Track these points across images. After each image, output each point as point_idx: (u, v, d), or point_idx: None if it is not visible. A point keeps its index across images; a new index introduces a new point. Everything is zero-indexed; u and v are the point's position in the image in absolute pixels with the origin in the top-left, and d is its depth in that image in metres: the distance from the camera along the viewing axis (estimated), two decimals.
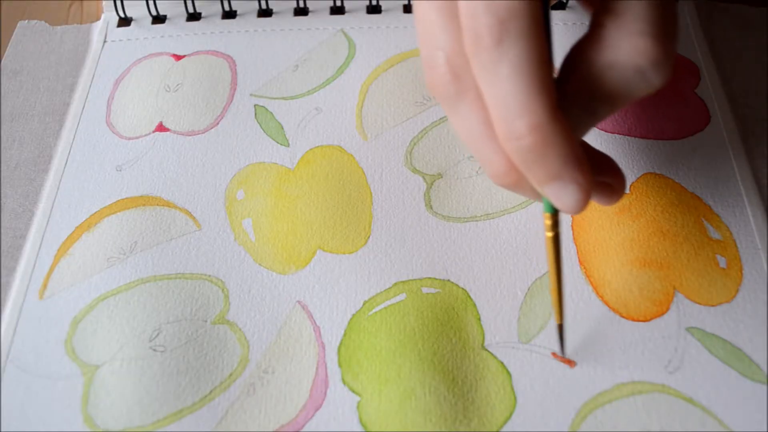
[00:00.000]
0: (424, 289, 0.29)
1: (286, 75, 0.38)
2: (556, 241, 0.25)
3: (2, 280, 0.30)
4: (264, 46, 0.39)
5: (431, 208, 0.32)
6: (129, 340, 0.28)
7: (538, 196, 0.24)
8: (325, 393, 0.27)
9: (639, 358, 0.27)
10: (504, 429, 0.26)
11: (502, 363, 0.27)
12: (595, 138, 0.34)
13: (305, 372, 0.27)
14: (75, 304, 0.29)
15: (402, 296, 0.29)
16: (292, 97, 0.37)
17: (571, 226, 0.31)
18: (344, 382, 0.27)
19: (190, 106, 0.36)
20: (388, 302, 0.29)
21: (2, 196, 0.33)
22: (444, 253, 0.31)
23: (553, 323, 0.28)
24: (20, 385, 0.27)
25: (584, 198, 0.22)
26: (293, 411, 0.26)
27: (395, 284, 0.30)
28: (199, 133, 0.35)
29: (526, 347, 0.28)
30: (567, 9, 0.40)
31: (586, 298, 0.29)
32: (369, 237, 0.31)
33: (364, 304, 0.29)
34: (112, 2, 0.40)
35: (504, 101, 0.20)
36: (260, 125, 0.35)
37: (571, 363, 0.27)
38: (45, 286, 0.30)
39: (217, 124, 0.36)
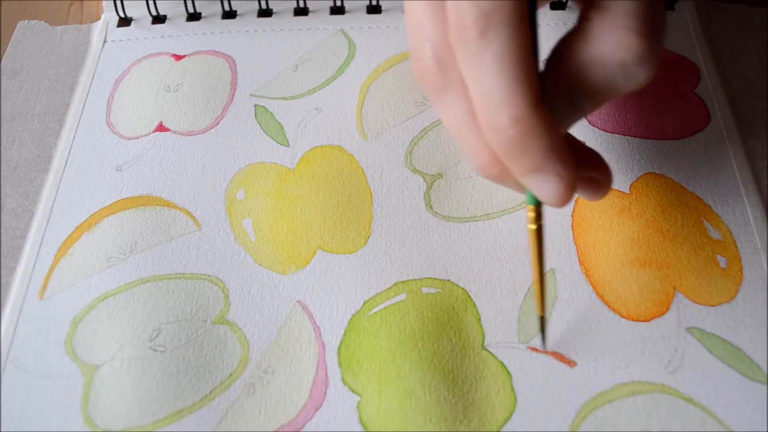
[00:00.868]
0: (424, 289, 0.29)
1: (286, 75, 0.38)
2: (539, 233, 0.25)
3: (2, 280, 0.30)
4: (264, 46, 0.39)
5: (431, 208, 0.32)
6: (129, 340, 0.28)
7: (521, 189, 0.24)
8: (325, 393, 0.27)
9: (639, 358, 0.27)
10: (504, 429, 0.26)
11: (502, 363, 0.27)
12: (595, 138, 0.34)
13: (305, 372, 0.27)
14: (75, 304, 0.29)
15: (402, 296, 0.29)
16: (292, 97, 0.37)
17: (571, 226, 0.31)
18: (344, 382, 0.27)
19: (190, 106, 0.36)
20: (388, 302, 0.29)
21: (2, 196, 0.33)
22: (444, 253, 0.31)
23: (553, 323, 0.28)
24: (20, 385, 0.27)
25: (565, 191, 0.22)
26: (293, 411, 0.26)
27: (395, 284, 0.30)
28: (199, 133, 0.35)
29: (526, 347, 0.28)
30: (566, 9, 0.40)
31: (586, 298, 0.29)
32: (369, 237, 0.31)
33: (364, 304, 0.29)
34: (112, 2, 0.40)
35: (487, 93, 0.21)
36: (260, 125, 0.35)
37: (571, 363, 0.27)
38: (45, 286, 0.30)
39: (217, 124, 0.36)
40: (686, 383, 0.27)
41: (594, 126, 0.34)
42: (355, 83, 0.37)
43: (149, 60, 0.38)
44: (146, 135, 0.35)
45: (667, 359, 0.27)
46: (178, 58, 0.38)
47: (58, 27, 0.40)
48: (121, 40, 0.40)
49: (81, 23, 0.41)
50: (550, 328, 0.28)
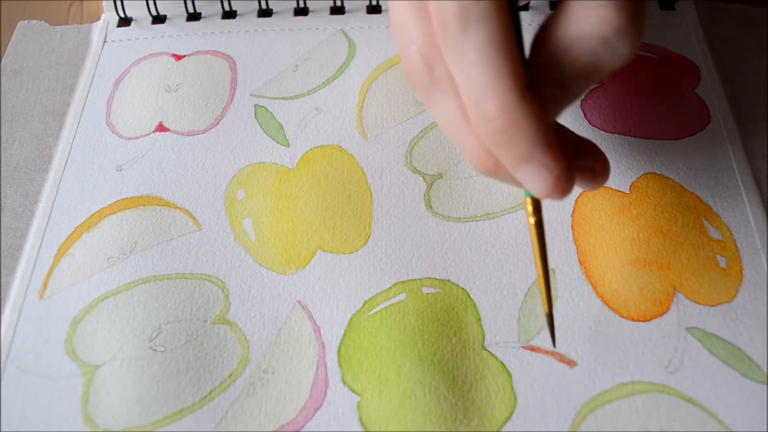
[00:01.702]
0: (424, 289, 0.29)
1: (286, 75, 0.38)
2: (539, 226, 0.25)
3: (2, 280, 0.30)
4: (264, 46, 0.39)
5: (431, 208, 0.32)
6: (129, 340, 0.28)
7: (517, 183, 0.24)
8: (325, 393, 0.27)
9: (639, 358, 0.27)
10: (504, 429, 0.26)
11: (502, 363, 0.27)
12: (596, 138, 0.34)
13: (305, 372, 0.27)
14: (75, 304, 0.29)
15: (402, 296, 0.29)
16: (292, 97, 0.37)
17: (571, 226, 0.31)
18: (344, 382, 0.27)
19: (190, 106, 0.36)
20: (388, 302, 0.29)
21: (2, 196, 0.33)
22: (444, 253, 0.31)
23: (554, 323, 0.28)
24: (20, 385, 0.27)
25: (556, 182, 0.21)
26: (293, 411, 0.26)
27: (395, 284, 0.30)
28: (199, 133, 0.35)
29: (526, 347, 0.28)
30: None
31: (586, 298, 0.29)
32: (369, 237, 0.31)
33: (364, 304, 0.29)
34: (112, 2, 0.40)
35: (472, 85, 0.21)
36: (260, 125, 0.35)
37: (571, 363, 0.27)
38: (45, 286, 0.30)
39: (217, 124, 0.36)
40: (686, 383, 0.27)
41: (594, 126, 0.34)
42: (355, 83, 0.37)
43: (149, 60, 0.38)
44: (146, 135, 0.35)
45: (667, 359, 0.27)
46: (178, 58, 0.38)
47: (58, 27, 0.40)
48: (121, 40, 0.40)
49: (81, 23, 0.41)
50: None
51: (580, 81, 0.22)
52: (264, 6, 0.41)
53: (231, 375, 0.27)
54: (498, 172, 0.23)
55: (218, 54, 0.39)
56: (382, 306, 0.29)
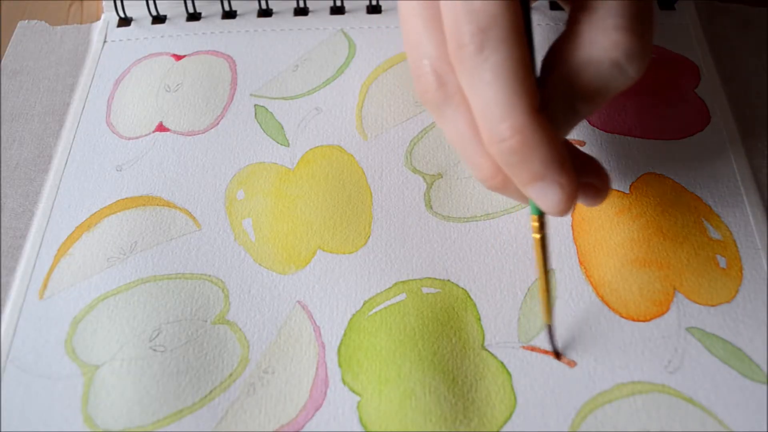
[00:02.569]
0: (424, 289, 0.29)
1: (286, 75, 0.38)
2: (543, 243, 0.25)
3: (2, 280, 0.30)
4: (264, 46, 0.39)
5: (431, 208, 0.32)
6: (129, 340, 0.28)
7: (524, 199, 0.24)
8: (325, 393, 0.27)
9: (639, 358, 0.27)
10: (504, 429, 0.26)
11: (502, 363, 0.27)
12: (595, 138, 0.34)
13: (305, 372, 0.27)
14: (75, 304, 0.29)
15: (402, 296, 0.29)
16: (292, 97, 0.37)
17: (572, 225, 0.31)
18: (344, 382, 0.27)
19: (190, 106, 0.36)
20: (388, 302, 0.29)
21: (2, 196, 0.33)
22: (444, 253, 0.31)
23: (553, 323, 0.28)
24: (20, 385, 0.27)
25: (567, 199, 0.22)
26: (293, 411, 0.26)
27: (395, 284, 0.30)
28: (199, 133, 0.35)
29: (526, 347, 0.28)
30: (564, 10, 0.40)
31: (586, 298, 0.29)
32: (369, 237, 0.31)
33: (364, 304, 0.29)
34: (112, 2, 0.40)
35: (487, 105, 0.21)
36: (260, 125, 0.35)
37: (571, 363, 0.27)
38: (45, 286, 0.30)
39: (217, 124, 0.36)
40: (686, 383, 0.27)
41: (594, 126, 0.34)
42: (355, 83, 0.37)
43: (149, 60, 0.38)
44: (146, 135, 0.35)
45: (667, 359, 0.27)
46: (178, 58, 0.38)
47: (58, 27, 0.40)
48: (121, 40, 0.40)
49: (81, 23, 0.41)
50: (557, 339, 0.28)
51: (589, 103, 0.23)
52: (264, 6, 0.41)
53: (231, 375, 0.27)
54: (506, 188, 0.24)
55: (218, 54, 0.39)
56: (382, 306, 0.29)
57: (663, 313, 0.28)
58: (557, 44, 0.23)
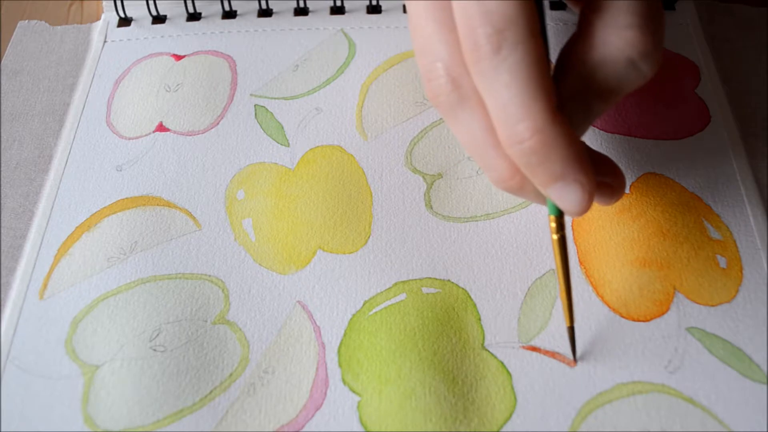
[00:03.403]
0: (425, 289, 0.29)
1: (286, 75, 0.38)
2: (563, 243, 0.25)
3: (2, 280, 0.30)
4: (264, 46, 0.39)
5: (431, 208, 0.32)
6: (129, 340, 0.28)
7: (541, 199, 0.24)
8: (326, 393, 0.27)
9: (639, 358, 0.27)
10: (504, 429, 0.26)
11: (502, 363, 0.27)
12: (595, 138, 0.34)
13: (305, 372, 0.27)
14: (75, 304, 0.29)
15: (402, 296, 0.29)
16: (292, 97, 0.37)
17: (572, 226, 0.31)
18: (344, 382, 0.27)
19: (190, 106, 0.36)
20: (389, 302, 0.29)
21: (2, 196, 0.33)
22: (444, 253, 0.31)
23: (553, 323, 0.28)
24: (20, 385, 0.27)
25: (587, 198, 0.22)
26: (293, 411, 0.26)
27: (395, 284, 0.30)
28: (199, 133, 0.35)
29: (526, 347, 0.28)
30: (567, 9, 0.40)
31: (586, 298, 0.29)
32: (369, 237, 0.31)
33: (364, 304, 0.29)
34: (112, 2, 0.40)
35: (505, 107, 0.21)
36: (260, 125, 0.35)
37: (571, 363, 0.27)
38: (45, 286, 0.30)
39: (217, 124, 0.36)
40: (686, 383, 0.27)
41: (594, 126, 0.34)
42: (355, 83, 0.37)
43: (149, 60, 0.38)
44: (146, 135, 0.35)
45: (667, 359, 0.27)
46: (178, 58, 0.38)
47: (58, 27, 0.40)
48: (121, 40, 0.40)
49: (81, 23, 0.41)
50: (551, 328, 0.28)
51: (605, 101, 0.23)
52: (264, 6, 0.41)
53: (231, 375, 0.27)
54: (523, 189, 0.23)
55: (218, 54, 0.39)
56: (382, 306, 0.29)
57: (663, 313, 0.28)
58: (570, 45, 0.23)
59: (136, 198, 0.33)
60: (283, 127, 0.35)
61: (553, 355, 0.27)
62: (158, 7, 0.40)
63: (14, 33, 0.40)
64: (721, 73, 0.36)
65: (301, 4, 0.41)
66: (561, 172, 0.21)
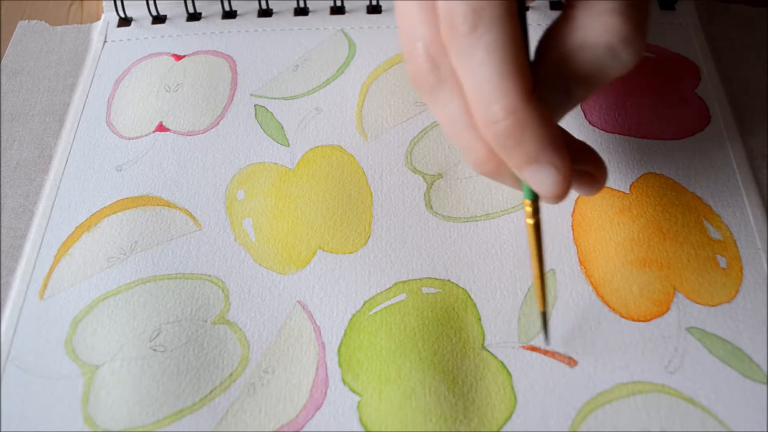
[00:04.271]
0: (425, 289, 0.29)
1: (286, 75, 0.38)
2: (537, 228, 0.25)
3: (2, 280, 0.30)
4: (264, 46, 0.39)
5: (431, 208, 0.32)
6: (129, 340, 0.28)
7: (518, 185, 0.24)
8: (326, 393, 0.27)
9: (639, 358, 0.27)
10: (504, 429, 0.26)
11: (502, 363, 0.27)
12: (595, 138, 0.34)
13: (305, 372, 0.27)
14: (75, 304, 0.29)
15: (402, 296, 0.29)
16: (292, 97, 0.37)
17: (572, 226, 0.31)
18: (344, 382, 0.27)
19: (190, 106, 0.36)
20: (389, 302, 0.29)
21: (2, 196, 0.33)
22: (444, 253, 0.31)
23: (553, 323, 0.28)
24: (20, 385, 0.27)
25: (562, 182, 0.22)
26: (293, 411, 0.26)
27: (395, 284, 0.30)
28: (199, 133, 0.35)
29: (526, 347, 0.28)
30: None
31: (586, 298, 0.29)
32: (369, 237, 0.31)
33: (364, 304, 0.29)
34: (112, 2, 0.40)
35: (480, 86, 0.21)
36: (260, 125, 0.35)
37: (571, 363, 0.27)
38: (45, 286, 0.30)
39: (218, 124, 0.36)
40: (686, 383, 0.27)
41: (594, 126, 0.34)
42: (355, 83, 0.37)
43: (149, 60, 0.38)
44: (146, 135, 0.35)
45: (667, 359, 0.27)
46: (178, 58, 0.38)
47: (58, 27, 0.40)
48: (121, 40, 0.40)
49: (81, 23, 0.41)
50: (551, 328, 0.28)
51: (583, 87, 0.23)
52: (264, 6, 0.41)
53: (231, 375, 0.27)
54: (499, 173, 0.23)
55: (218, 54, 0.39)
56: (382, 306, 0.29)
57: (663, 313, 0.28)
58: (552, 28, 0.23)
59: (136, 198, 0.33)
60: (283, 127, 0.35)
61: (553, 355, 0.27)
62: (158, 7, 0.40)
63: (14, 33, 0.40)
64: (721, 73, 0.36)
65: (301, 4, 0.41)
66: (535, 154, 0.21)
